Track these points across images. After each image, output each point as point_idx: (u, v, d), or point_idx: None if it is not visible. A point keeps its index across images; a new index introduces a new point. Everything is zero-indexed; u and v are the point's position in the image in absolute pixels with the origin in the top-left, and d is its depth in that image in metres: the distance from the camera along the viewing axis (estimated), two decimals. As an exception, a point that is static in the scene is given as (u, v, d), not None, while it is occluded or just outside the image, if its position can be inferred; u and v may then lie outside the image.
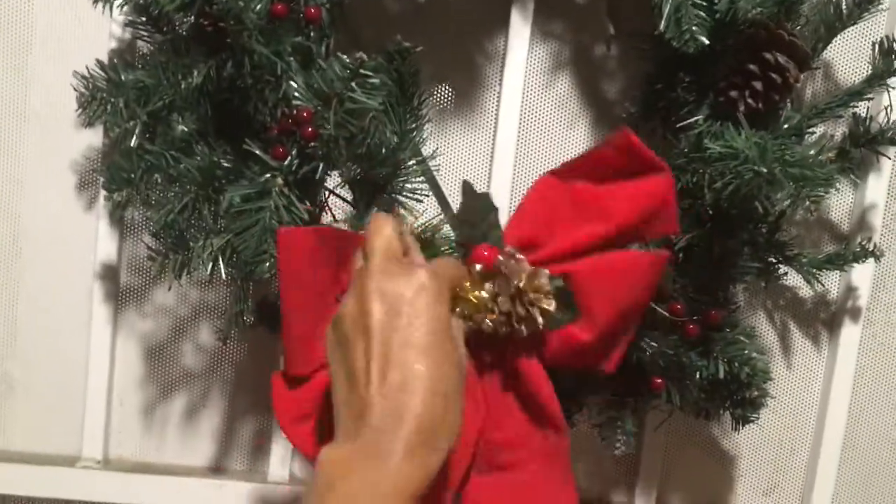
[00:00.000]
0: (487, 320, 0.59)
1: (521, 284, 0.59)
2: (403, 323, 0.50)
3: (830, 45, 0.79)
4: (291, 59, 0.71)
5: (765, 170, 0.64)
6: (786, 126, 0.77)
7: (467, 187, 0.65)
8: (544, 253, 0.64)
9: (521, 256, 0.61)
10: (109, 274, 0.86)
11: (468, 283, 0.59)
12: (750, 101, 0.71)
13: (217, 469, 0.91)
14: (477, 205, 0.65)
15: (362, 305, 0.51)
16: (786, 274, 0.81)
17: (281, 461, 0.88)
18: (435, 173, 0.84)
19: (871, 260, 0.82)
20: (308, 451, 0.63)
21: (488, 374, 0.65)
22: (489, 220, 0.65)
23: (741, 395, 0.79)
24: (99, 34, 0.83)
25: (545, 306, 0.59)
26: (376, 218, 0.57)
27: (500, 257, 0.60)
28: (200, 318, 0.89)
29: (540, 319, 0.59)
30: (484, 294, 0.59)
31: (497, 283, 0.60)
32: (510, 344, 0.63)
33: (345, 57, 0.68)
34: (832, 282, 0.90)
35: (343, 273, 0.63)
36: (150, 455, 0.91)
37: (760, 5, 0.68)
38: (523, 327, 0.60)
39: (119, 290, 0.88)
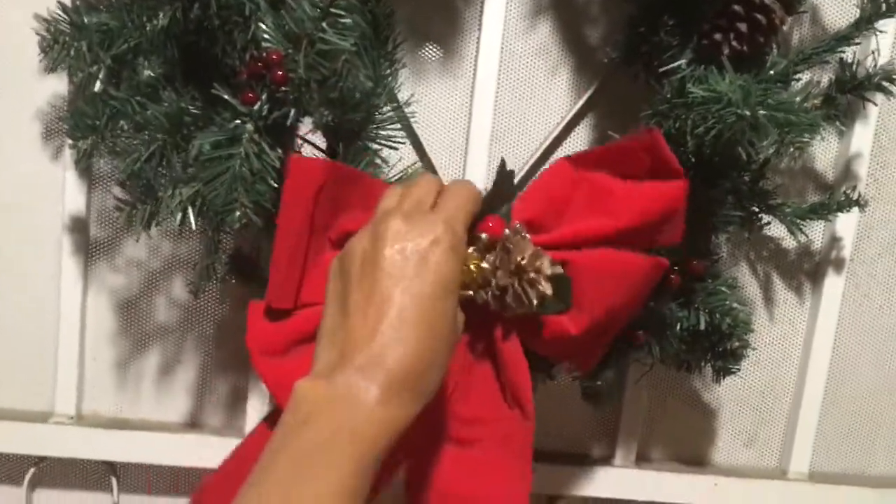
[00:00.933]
0: (482, 292, 0.58)
1: (524, 262, 0.58)
2: (412, 272, 0.50)
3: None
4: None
5: (748, 113, 0.63)
6: (771, 71, 0.75)
7: (502, 166, 0.64)
8: (548, 237, 0.63)
9: (527, 235, 0.60)
10: (78, 226, 0.84)
11: (473, 252, 0.58)
12: (734, 43, 0.69)
13: (193, 425, 0.90)
14: (506, 184, 0.65)
15: (376, 244, 0.51)
16: (769, 223, 0.79)
17: (258, 416, 0.87)
18: (412, 120, 0.83)
19: (856, 210, 0.81)
20: (274, 387, 0.61)
21: (468, 344, 0.64)
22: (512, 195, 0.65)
23: (722, 346, 0.78)
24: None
25: (542, 289, 0.58)
26: (424, 174, 0.58)
27: (507, 231, 0.59)
28: (174, 271, 0.87)
29: (535, 301, 0.58)
30: (484, 265, 0.58)
31: (499, 257, 0.58)
32: (496, 319, 0.62)
33: (314, -4, 0.65)
34: (816, 232, 0.89)
35: (344, 214, 0.62)
36: (124, 411, 0.90)
37: (746, -56, 0.65)
38: (516, 306, 0.59)
39: (89, 242, 0.85)
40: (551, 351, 0.67)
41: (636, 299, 0.67)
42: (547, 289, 0.58)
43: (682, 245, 0.75)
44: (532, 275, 0.58)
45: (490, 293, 0.59)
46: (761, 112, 0.63)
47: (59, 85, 0.82)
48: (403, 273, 0.50)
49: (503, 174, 0.65)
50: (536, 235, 0.63)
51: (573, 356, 0.69)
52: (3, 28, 0.83)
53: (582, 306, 0.63)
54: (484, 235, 0.59)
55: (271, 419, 0.65)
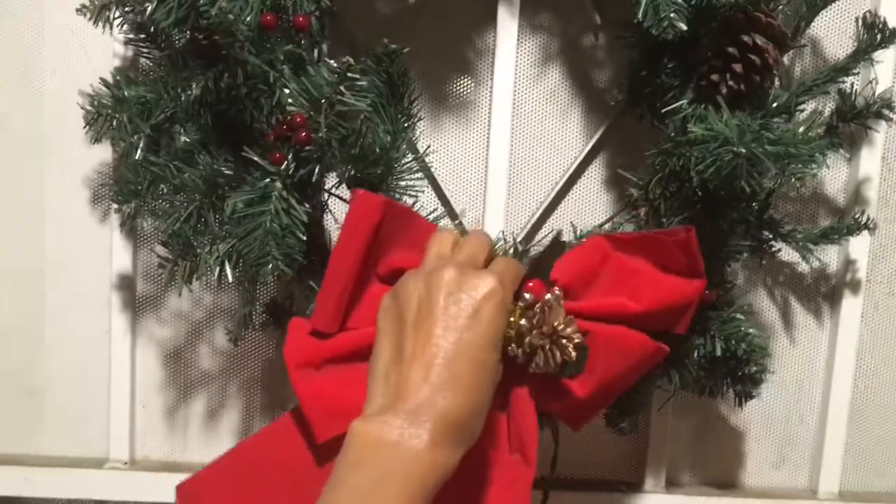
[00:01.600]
0: (515, 346, 0.62)
1: (559, 327, 0.62)
2: (464, 323, 0.53)
3: (818, 21, 0.80)
4: (284, 66, 0.73)
5: (743, 150, 0.66)
6: (774, 105, 0.78)
7: (558, 237, 0.69)
8: (575, 305, 0.67)
9: (563, 301, 0.64)
10: (126, 283, 0.90)
11: (517, 309, 0.62)
12: (731, 83, 0.73)
13: (238, 465, 0.95)
14: (556, 254, 0.69)
15: (431, 292, 0.54)
16: (779, 250, 0.82)
17: (299, 455, 0.91)
18: (432, 168, 0.88)
19: (866, 232, 0.83)
20: (305, 399, 0.63)
21: None
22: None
23: (741, 371, 0.80)
24: (104, 55, 0.86)
25: (569, 354, 0.62)
26: (480, 232, 0.62)
27: (549, 296, 0.63)
28: (215, 320, 0.92)
29: (559, 363, 0.62)
30: (523, 322, 0.62)
31: (536, 318, 0.62)
32: (516, 372, 0.65)
33: (332, 62, 0.70)
34: (831, 256, 0.91)
35: (392, 251, 0.65)
36: (174, 454, 0.95)
37: (736, -10, 0.69)
38: (543, 365, 0.62)
39: (136, 298, 0.91)
40: (552, 407, 0.70)
41: (634, 376, 0.71)
42: (572, 354, 0.62)
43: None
44: (563, 340, 0.62)
45: (522, 350, 0.62)
46: (758, 148, 0.66)
47: (104, 153, 0.88)
48: (457, 323, 0.53)
49: (557, 243, 0.69)
50: (567, 302, 0.67)
51: (570, 416, 0.73)
52: (57, 107, 0.89)
53: (592, 373, 0.67)
54: (528, 295, 0.63)
55: (296, 415, 0.67)
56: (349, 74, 0.69)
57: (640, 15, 0.71)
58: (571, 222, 0.84)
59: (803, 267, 0.92)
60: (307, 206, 0.75)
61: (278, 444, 0.67)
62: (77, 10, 0.78)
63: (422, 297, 0.54)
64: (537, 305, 0.63)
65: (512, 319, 0.62)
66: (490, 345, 0.54)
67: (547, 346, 0.62)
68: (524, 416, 0.65)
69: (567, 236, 0.80)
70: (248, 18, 0.72)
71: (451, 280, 0.54)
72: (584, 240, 0.77)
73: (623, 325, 0.68)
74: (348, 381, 0.59)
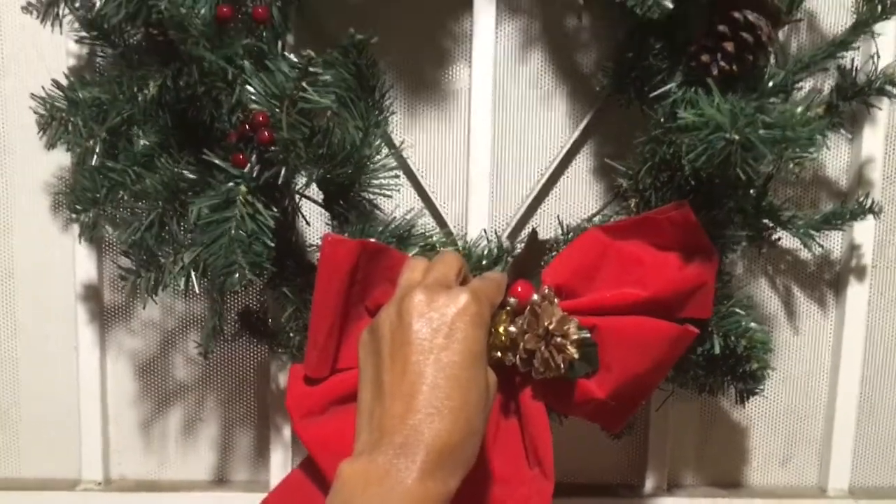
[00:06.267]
0: (510, 354, 0.60)
1: (551, 327, 0.59)
2: (440, 343, 0.51)
3: (815, -7, 0.75)
4: (244, 62, 0.69)
5: (736, 136, 0.61)
6: (770, 83, 0.73)
7: (534, 236, 0.65)
8: (578, 303, 0.65)
9: (556, 300, 0.62)
10: (91, 294, 0.85)
11: (503, 315, 0.60)
12: (723, 63, 0.68)
13: (219, 481, 0.91)
14: (536, 252, 0.66)
15: (404, 318, 0.51)
16: (779, 239, 0.77)
17: (281, 468, 0.87)
18: (410, 163, 0.83)
19: (871, 216, 0.78)
20: (313, 447, 0.63)
21: (498, 404, 0.65)
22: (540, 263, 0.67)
23: (741, 368, 0.76)
24: (57, 54, 0.82)
25: (569, 353, 0.60)
26: (449, 252, 0.59)
27: (536, 296, 0.61)
28: (188, 329, 0.88)
29: (561, 364, 0.60)
30: (512, 329, 0.60)
31: (527, 321, 0.60)
32: (526, 381, 0.63)
33: (293, 56, 0.66)
34: (835, 241, 0.87)
35: (376, 288, 0.64)
36: (151, 473, 0.91)
37: (723, -37, 0.64)
38: (543, 369, 0.60)
39: (103, 309, 0.87)
40: (580, 413, 0.69)
41: (664, 365, 0.68)
42: (573, 353, 0.60)
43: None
44: (559, 339, 0.60)
45: (518, 356, 0.60)
46: (752, 133, 0.62)
47: (63, 157, 0.84)
48: (432, 345, 0.50)
49: (533, 242, 0.65)
50: (566, 301, 0.65)
51: (601, 418, 0.69)
52: (14, 111, 0.84)
53: (609, 370, 0.64)
54: (513, 300, 0.61)
55: (307, 467, 0.65)
56: (311, 69, 0.65)
57: (623, -7, 0.67)
58: (557, 216, 0.79)
59: (806, 254, 0.87)
60: (275, 209, 0.71)
61: (294, 499, 0.65)
62: (23, 8, 0.74)
63: (394, 326, 0.52)
64: (527, 309, 0.60)
65: (502, 328, 0.60)
66: (471, 361, 0.51)
67: (542, 349, 0.60)
68: (537, 427, 0.63)
69: (553, 232, 0.76)
70: (203, 11, 0.67)
71: (420, 302, 0.52)
72: (573, 235, 0.74)
73: (638, 315, 0.65)
74: (352, 420, 0.56)
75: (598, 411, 0.67)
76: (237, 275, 0.69)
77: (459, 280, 0.57)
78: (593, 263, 0.67)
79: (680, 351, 0.68)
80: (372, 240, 0.68)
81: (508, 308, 0.61)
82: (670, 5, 0.66)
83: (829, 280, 0.88)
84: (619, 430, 0.75)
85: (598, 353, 0.63)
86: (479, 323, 0.52)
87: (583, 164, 0.85)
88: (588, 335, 0.62)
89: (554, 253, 0.72)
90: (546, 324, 0.60)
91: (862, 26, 0.75)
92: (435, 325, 0.51)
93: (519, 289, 0.62)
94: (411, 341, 0.50)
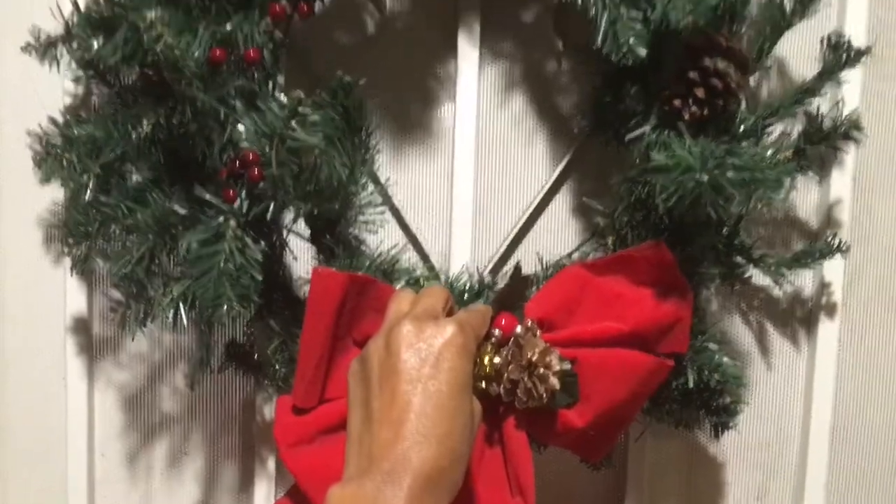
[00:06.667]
0: (494, 385, 0.62)
1: (534, 358, 0.62)
2: (428, 373, 0.52)
3: (785, 41, 0.78)
4: (236, 102, 0.71)
5: (706, 178, 0.64)
6: (742, 128, 0.77)
7: (517, 270, 0.68)
8: (558, 335, 0.68)
9: (538, 332, 0.65)
10: (81, 326, 0.87)
11: (488, 347, 0.62)
12: (694, 108, 0.71)
13: (204, 513, 0.92)
14: (519, 287, 0.69)
15: (392, 348, 0.53)
16: (751, 277, 0.80)
17: (265, 500, 0.88)
18: (395, 200, 0.85)
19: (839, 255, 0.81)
20: (301, 476, 0.64)
21: (482, 433, 0.67)
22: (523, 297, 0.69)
23: (715, 402, 0.78)
24: (53, 93, 0.84)
25: (551, 384, 0.62)
26: (435, 286, 0.62)
27: (519, 329, 0.64)
28: (176, 362, 0.89)
29: (544, 395, 0.62)
30: (497, 360, 0.62)
31: (511, 352, 0.62)
32: (509, 411, 0.65)
33: (282, 97, 0.68)
34: (806, 278, 0.89)
35: (363, 320, 0.66)
36: (136, 504, 0.91)
37: (693, 13, 0.67)
38: (526, 399, 0.62)
39: (92, 341, 0.88)
40: (561, 443, 0.71)
41: (641, 396, 0.72)
42: (555, 384, 0.62)
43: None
44: (542, 370, 0.62)
45: (502, 386, 0.62)
46: (721, 176, 0.65)
47: (57, 192, 0.86)
48: (420, 374, 0.52)
49: (517, 277, 0.68)
50: (548, 333, 0.67)
51: (581, 448, 0.71)
52: (8, 145, 0.87)
53: (589, 401, 0.67)
54: (497, 331, 0.63)
55: (294, 495, 0.66)
56: (300, 109, 0.67)
57: (599, 41, 0.70)
58: (537, 253, 0.82)
59: (778, 291, 0.90)
60: (263, 244, 0.73)
61: None
62: (22, 48, 0.76)
63: (383, 356, 0.54)
64: (510, 340, 0.62)
65: (486, 359, 0.62)
66: (457, 391, 0.53)
67: (526, 379, 0.62)
68: (519, 456, 0.65)
69: (533, 267, 0.78)
70: (197, 54, 0.70)
71: (408, 333, 0.54)
72: (553, 271, 0.76)
73: (616, 348, 0.68)
74: (340, 449, 0.58)
75: (578, 441, 0.70)
76: (225, 307, 0.71)
77: (446, 311, 0.60)
78: (574, 298, 0.70)
79: (656, 383, 0.71)
80: (360, 272, 0.70)
81: (493, 339, 0.63)
82: (643, 53, 0.68)
83: (800, 317, 0.90)
84: (598, 460, 0.77)
85: (579, 385, 0.65)
86: (465, 354, 0.54)
87: (563, 202, 0.88)
88: (569, 367, 0.64)
89: (535, 287, 0.75)
90: (529, 355, 0.62)
91: (828, 74, 0.79)
92: (423, 356, 0.53)
93: (503, 321, 0.64)
94: (400, 371, 0.52)
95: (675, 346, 0.71)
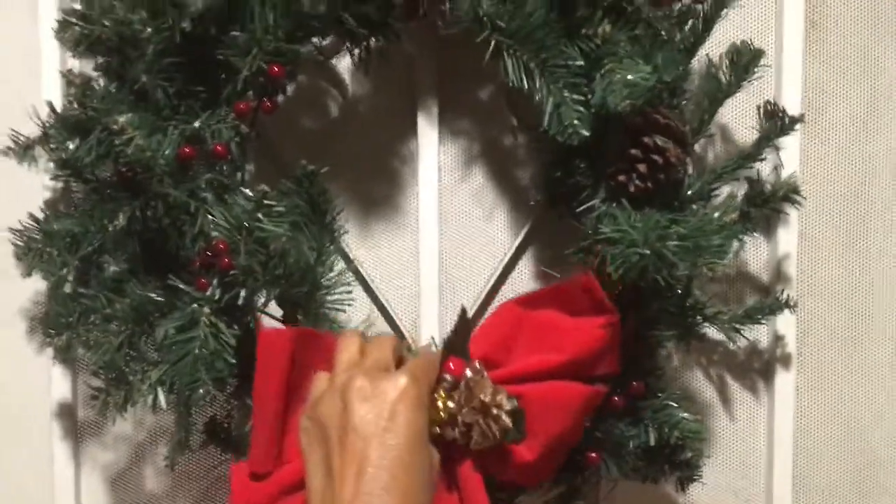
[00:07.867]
0: (449, 429, 0.64)
1: (486, 399, 0.64)
2: (384, 426, 0.54)
3: (726, 108, 0.83)
4: (206, 194, 0.75)
5: (648, 251, 0.68)
6: (689, 193, 0.81)
7: (463, 313, 0.72)
8: (500, 373, 0.71)
9: (486, 373, 0.67)
10: (66, 411, 0.90)
11: (440, 392, 0.64)
12: (638, 182, 0.75)
13: (190, 589, 0.93)
14: (465, 329, 0.72)
15: (348, 404, 0.55)
16: (704, 334, 0.84)
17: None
18: (364, 273, 0.89)
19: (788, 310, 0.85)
20: None
21: (439, 478, 0.68)
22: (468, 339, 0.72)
23: (678, 457, 0.81)
24: (33, 189, 0.88)
25: (504, 422, 0.64)
26: (383, 336, 0.64)
27: (468, 371, 0.66)
28: (158, 441, 0.92)
29: (498, 435, 0.64)
30: (451, 405, 0.64)
31: (463, 395, 0.64)
32: (462, 454, 0.68)
33: (248, 191, 0.72)
34: (761, 332, 0.93)
35: (313, 374, 0.66)
36: (123, 583, 0.93)
37: (629, 97, 0.72)
38: (482, 440, 0.64)
39: (77, 425, 0.91)
40: (512, 476, 0.73)
41: (580, 423, 0.75)
42: (508, 422, 0.64)
43: (624, 366, 0.80)
44: (494, 410, 0.64)
45: (458, 430, 0.64)
46: (663, 247, 0.69)
47: (39, 283, 0.89)
48: (377, 429, 0.54)
49: (463, 321, 0.72)
50: (489, 371, 0.69)
51: (524, 477, 0.74)
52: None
53: (535, 434, 0.69)
54: (448, 376, 0.65)
55: None
56: (266, 201, 0.71)
57: (545, 123, 0.74)
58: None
59: (735, 344, 0.93)
60: (236, 328, 0.76)
61: None
62: (2, 152, 0.80)
63: (338, 411, 0.55)
64: (461, 384, 0.65)
65: (441, 404, 0.64)
66: (414, 444, 0.55)
67: (480, 421, 0.64)
68: (474, 500, 0.67)
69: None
70: (167, 152, 0.74)
71: (362, 388, 0.55)
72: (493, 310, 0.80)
73: (555, 380, 0.71)
74: None
75: (525, 472, 0.72)
76: (201, 390, 0.74)
77: (396, 360, 0.62)
78: (510, 334, 0.73)
79: (592, 408, 0.74)
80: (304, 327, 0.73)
81: (445, 384, 0.65)
82: (586, 133, 0.73)
83: (759, 368, 0.94)
84: (537, 484, 0.78)
85: (526, 420, 0.67)
86: (418, 405, 0.56)
87: (525, 270, 0.92)
88: (515, 404, 0.66)
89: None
90: (482, 397, 0.64)
91: (765, 140, 0.83)
92: (377, 410, 0.54)
93: (451, 365, 0.67)
94: (356, 426, 0.54)
95: (609, 368, 0.74)
